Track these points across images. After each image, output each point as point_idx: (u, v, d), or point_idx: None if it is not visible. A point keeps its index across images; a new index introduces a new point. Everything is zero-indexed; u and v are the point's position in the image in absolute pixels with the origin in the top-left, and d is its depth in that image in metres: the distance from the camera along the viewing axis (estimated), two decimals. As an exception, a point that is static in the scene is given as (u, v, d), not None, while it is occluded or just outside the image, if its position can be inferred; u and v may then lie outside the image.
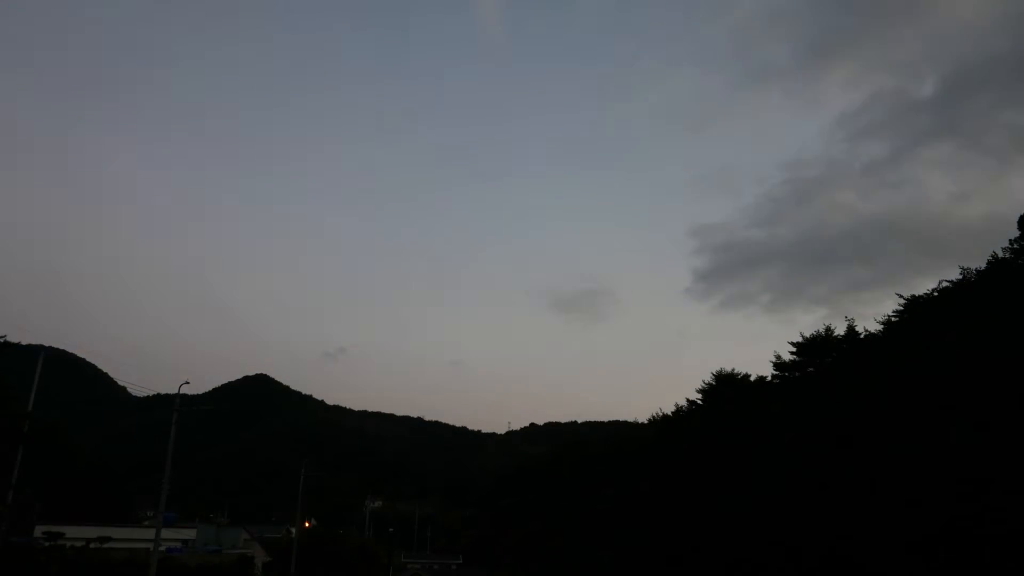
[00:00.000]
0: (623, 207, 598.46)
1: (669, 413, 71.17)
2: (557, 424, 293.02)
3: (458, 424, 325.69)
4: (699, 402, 64.58)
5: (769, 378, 56.89)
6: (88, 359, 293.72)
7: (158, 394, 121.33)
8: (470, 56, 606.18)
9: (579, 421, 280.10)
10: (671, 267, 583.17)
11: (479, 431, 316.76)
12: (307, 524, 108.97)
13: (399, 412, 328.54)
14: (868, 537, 35.02)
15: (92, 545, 45.00)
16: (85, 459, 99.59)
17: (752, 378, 60.68)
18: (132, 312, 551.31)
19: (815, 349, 51.52)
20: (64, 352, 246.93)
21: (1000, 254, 40.76)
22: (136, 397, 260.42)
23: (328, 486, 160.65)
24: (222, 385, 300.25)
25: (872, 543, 34.68)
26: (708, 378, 63.91)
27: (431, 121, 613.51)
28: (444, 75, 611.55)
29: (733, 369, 62.66)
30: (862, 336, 48.62)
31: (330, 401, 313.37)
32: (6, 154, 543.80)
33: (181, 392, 45.12)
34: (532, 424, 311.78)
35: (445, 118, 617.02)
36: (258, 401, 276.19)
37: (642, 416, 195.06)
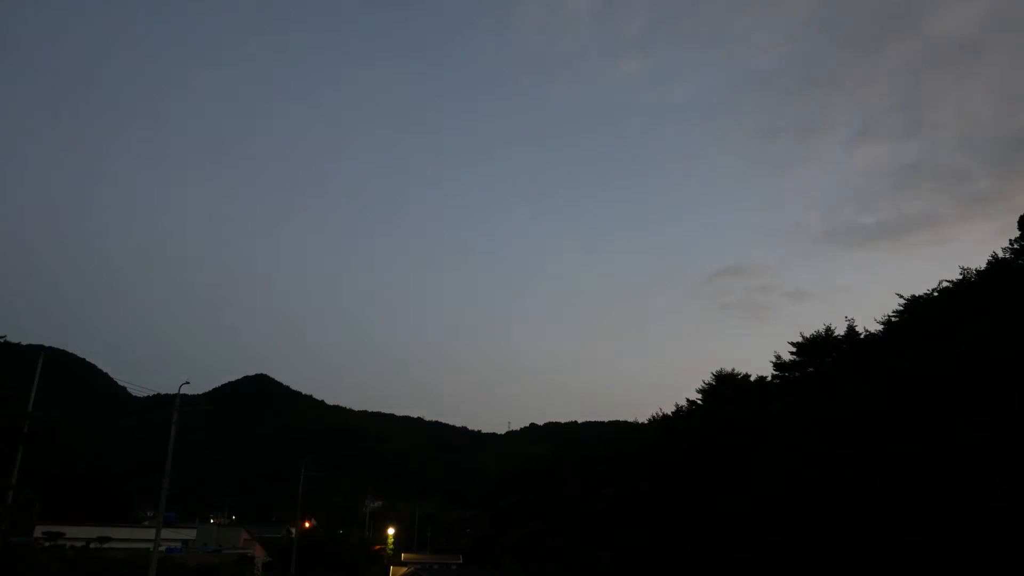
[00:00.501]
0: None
1: (669, 413, 71.16)
2: (557, 424, 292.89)
3: (458, 424, 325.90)
4: (699, 402, 64.52)
5: (769, 378, 56.84)
6: (88, 359, 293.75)
7: (158, 394, 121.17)
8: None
9: (579, 421, 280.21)
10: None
11: (479, 431, 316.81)
12: (307, 524, 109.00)
13: (399, 412, 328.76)
14: (868, 537, 35.02)
15: (92, 545, 44.96)
16: (85, 459, 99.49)
17: (752, 378, 60.63)
18: (132, 312, 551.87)
19: (815, 349, 51.47)
20: (64, 352, 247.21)
21: (1000, 254, 40.75)
22: (136, 397, 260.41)
23: (328, 486, 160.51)
24: (222, 385, 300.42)
25: (872, 543, 34.68)
26: (708, 378, 63.92)
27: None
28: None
29: (733, 369, 62.63)
30: (862, 336, 48.58)
31: (330, 401, 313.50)
32: (6, 154, 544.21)
33: (181, 392, 45.12)
34: (532, 424, 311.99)
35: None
36: (258, 401, 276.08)
37: (642, 416, 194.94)
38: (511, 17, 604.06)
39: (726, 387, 61.14)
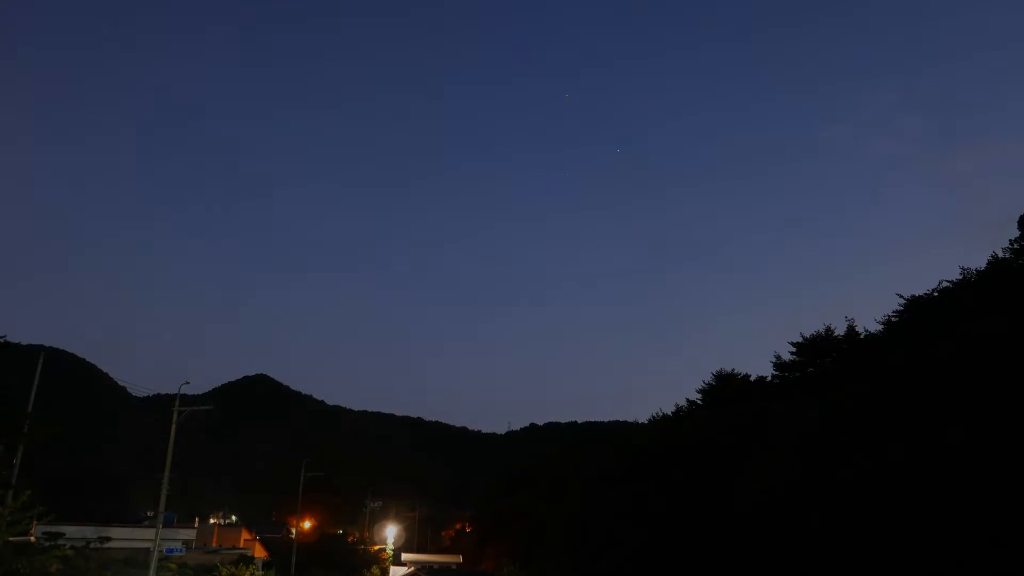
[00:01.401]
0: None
1: (669, 413, 71.15)
2: (557, 424, 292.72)
3: (458, 424, 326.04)
4: (699, 402, 64.54)
5: (769, 378, 56.87)
6: (88, 359, 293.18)
7: (158, 394, 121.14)
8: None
9: (579, 421, 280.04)
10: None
11: (479, 431, 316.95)
12: (307, 524, 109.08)
13: (399, 412, 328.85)
14: (868, 537, 35.02)
15: (92, 545, 44.90)
16: (85, 459, 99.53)
17: (752, 378, 60.65)
18: (132, 312, 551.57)
19: (815, 349, 51.52)
20: (64, 352, 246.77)
21: (1000, 254, 40.77)
22: (136, 397, 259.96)
23: (328, 486, 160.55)
24: (222, 385, 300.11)
25: (872, 543, 34.67)
26: (708, 378, 63.95)
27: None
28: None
29: (733, 369, 62.70)
30: (862, 336, 48.62)
31: (330, 401, 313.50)
32: (7, 154, 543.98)
33: (181, 392, 45.12)
34: (532, 424, 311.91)
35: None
36: (258, 401, 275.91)
37: (642, 416, 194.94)
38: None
39: (726, 387, 61.18)
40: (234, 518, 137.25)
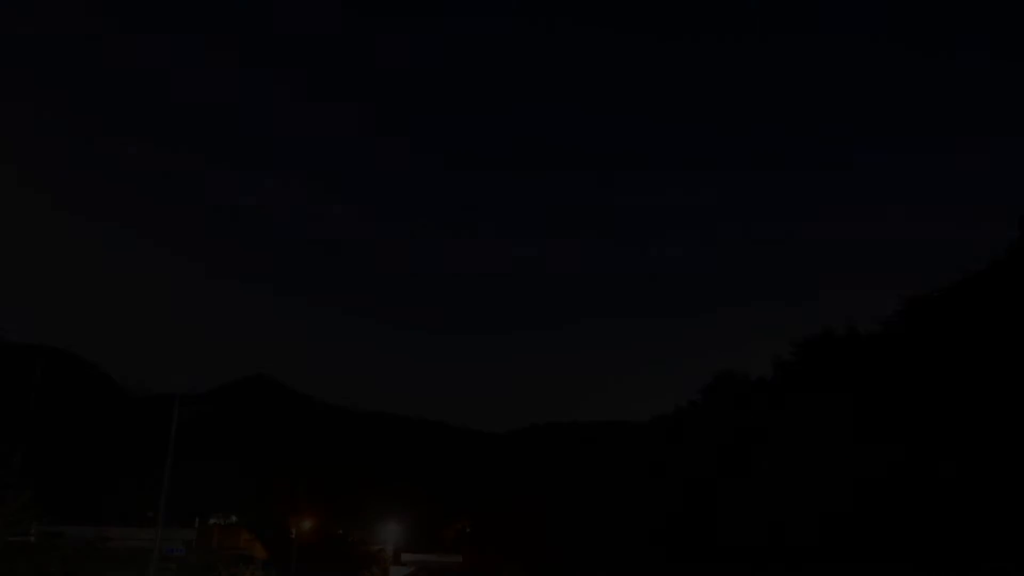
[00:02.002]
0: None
1: (669, 413, 71.23)
2: (557, 424, 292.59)
3: (458, 424, 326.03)
4: (699, 402, 64.60)
5: (769, 378, 56.88)
6: (88, 359, 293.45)
7: (158, 394, 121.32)
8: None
9: (579, 421, 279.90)
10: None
11: (479, 431, 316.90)
12: (307, 524, 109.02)
13: (399, 412, 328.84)
14: (867, 534, 35.05)
15: (92, 545, 44.98)
16: (85, 459, 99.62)
17: (752, 378, 60.67)
18: (132, 312, 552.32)
19: (815, 349, 51.49)
20: (64, 352, 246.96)
21: (1000, 254, 40.74)
22: (136, 397, 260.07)
23: (328, 486, 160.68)
24: (222, 385, 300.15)
25: (872, 540, 34.70)
26: (708, 378, 63.97)
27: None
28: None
29: (733, 369, 62.71)
30: (862, 336, 48.60)
31: (330, 401, 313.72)
32: (7, 154, 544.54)
33: (181, 392, 45.19)
34: (532, 424, 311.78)
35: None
36: (258, 401, 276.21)
37: (642, 416, 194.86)
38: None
39: (726, 387, 61.21)
40: (234, 518, 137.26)
